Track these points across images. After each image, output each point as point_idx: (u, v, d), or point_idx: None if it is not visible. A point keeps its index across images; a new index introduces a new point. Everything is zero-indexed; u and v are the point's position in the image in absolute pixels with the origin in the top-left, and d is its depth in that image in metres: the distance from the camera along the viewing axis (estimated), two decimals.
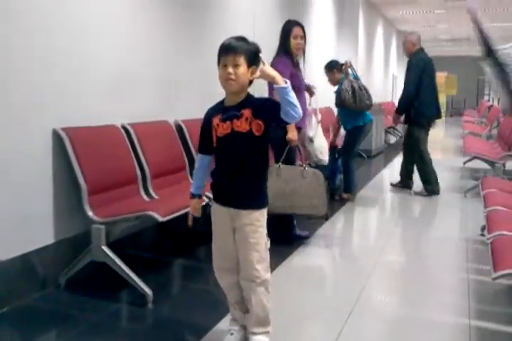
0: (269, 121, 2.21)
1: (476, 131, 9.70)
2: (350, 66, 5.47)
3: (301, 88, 4.06)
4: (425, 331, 2.66)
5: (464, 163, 7.50)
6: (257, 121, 2.19)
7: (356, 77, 5.50)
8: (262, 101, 2.27)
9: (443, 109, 22.46)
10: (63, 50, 3.08)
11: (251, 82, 2.25)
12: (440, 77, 22.68)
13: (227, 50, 2.18)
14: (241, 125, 2.19)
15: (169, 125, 4.05)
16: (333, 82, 5.71)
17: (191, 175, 4.03)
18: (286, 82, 2.13)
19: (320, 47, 8.14)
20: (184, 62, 4.35)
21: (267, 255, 2.33)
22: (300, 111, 2.17)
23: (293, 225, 4.12)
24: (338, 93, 5.40)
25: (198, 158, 2.43)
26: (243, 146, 2.22)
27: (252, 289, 2.30)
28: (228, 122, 2.21)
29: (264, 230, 2.33)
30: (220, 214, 2.34)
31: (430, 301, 3.05)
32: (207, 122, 2.30)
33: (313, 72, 6.41)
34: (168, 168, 3.82)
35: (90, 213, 2.98)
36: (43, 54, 2.94)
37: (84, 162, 3.05)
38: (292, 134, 3.78)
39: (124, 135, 3.50)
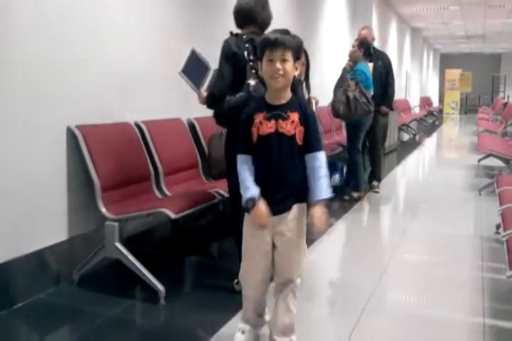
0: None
1: (491, 128, 9.55)
2: (351, 69, 5.20)
3: None
4: (439, 329, 2.64)
5: (479, 160, 7.42)
6: (301, 127, 2.10)
7: (361, 79, 5.16)
8: (308, 111, 2.14)
9: (458, 106, 22.55)
10: (77, 49, 3.10)
11: (293, 77, 2.13)
12: (455, 74, 22.68)
13: (275, 45, 2.04)
14: (286, 127, 2.09)
15: (182, 122, 4.06)
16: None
17: (204, 172, 4.03)
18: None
19: (332, 44, 8.11)
20: None
21: (304, 259, 2.28)
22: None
23: None
24: (332, 104, 5.22)
25: (240, 159, 2.17)
26: (287, 148, 2.11)
27: (283, 294, 2.20)
28: (273, 121, 2.09)
29: (304, 229, 2.22)
30: (259, 229, 2.17)
31: (444, 299, 3.03)
32: (247, 119, 2.15)
33: (326, 69, 6.39)
34: (181, 165, 3.83)
35: (104, 210, 3.00)
36: (57, 53, 2.96)
37: (98, 159, 3.07)
38: None
39: (137, 132, 3.52)
